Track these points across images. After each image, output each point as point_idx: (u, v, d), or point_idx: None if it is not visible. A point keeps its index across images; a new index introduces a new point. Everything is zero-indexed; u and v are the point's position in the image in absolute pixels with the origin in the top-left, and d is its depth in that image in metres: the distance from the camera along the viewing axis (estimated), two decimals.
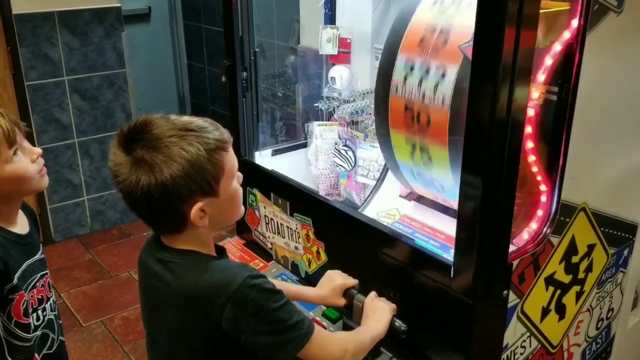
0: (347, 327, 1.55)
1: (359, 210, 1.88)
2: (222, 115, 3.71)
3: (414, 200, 1.85)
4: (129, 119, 3.76)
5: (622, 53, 1.50)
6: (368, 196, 1.96)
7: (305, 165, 2.17)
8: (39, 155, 1.50)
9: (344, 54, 2.09)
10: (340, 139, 2.07)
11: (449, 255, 1.43)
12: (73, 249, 3.70)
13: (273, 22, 3.30)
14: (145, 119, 1.17)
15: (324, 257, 1.77)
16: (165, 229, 1.24)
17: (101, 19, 3.55)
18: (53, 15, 3.40)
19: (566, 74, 1.37)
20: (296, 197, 1.85)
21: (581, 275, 1.65)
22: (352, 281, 1.57)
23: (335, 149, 2.05)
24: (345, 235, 1.69)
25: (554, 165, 1.44)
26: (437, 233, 1.70)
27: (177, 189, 1.13)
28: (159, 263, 1.24)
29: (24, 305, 1.48)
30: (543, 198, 1.47)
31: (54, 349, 1.61)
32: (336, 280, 1.57)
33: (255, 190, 1.97)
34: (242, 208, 1.30)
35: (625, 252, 1.82)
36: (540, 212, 1.48)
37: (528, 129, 1.37)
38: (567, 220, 1.52)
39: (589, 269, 1.66)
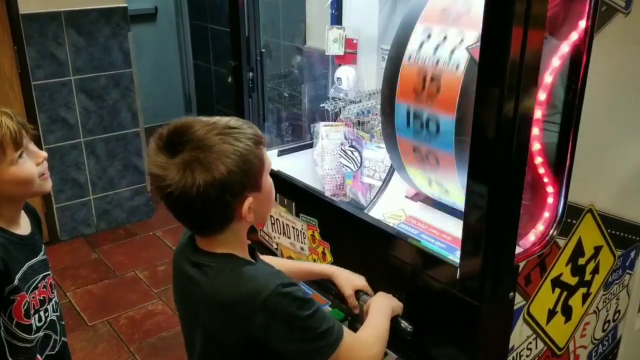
0: (352, 329, 1.55)
1: (365, 211, 1.87)
2: (227, 115, 3.70)
3: (420, 202, 1.85)
4: (134, 119, 3.77)
5: (630, 54, 1.49)
6: (374, 197, 1.95)
7: (311, 165, 2.16)
8: (44, 159, 1.49)
9: (350, 55, 2.09)
10: (346, 139, 2.06)
11: (455, 257, 1.43)
12: (79, 248, 3.70)
13: (279, 22, 3.30)
14: (184, 122, 1.17)
15: (329, 258, 1.77)
16: (211, 228, 1.23)
17: (108, 18, 3.56)
18: (60, 15, 3.41)
19: (574, 75, 1.37)
20: (302, 198, 1.85)
21: (588, 277, 1.64)
22: (369, 288, 1.55)
23: (341, 149, 2.04)
24: (351, 236, 1.69)
25: (561, 167, 1.43)
26: (443, 234, 1.70)
27: (232, 185, 1.14)
28: (194, 267, 1.25)
29: (25, 307, 1.47)
30: (550, 199, 1.47)
31: (56, 350, 1.61)
32: (356, 280, 1.55)
33: None
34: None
35: (632, 254, 1.81)
36: (547, 214, 1.47)
37: (535, 131, 1.37)
38: (574, 222, 1.52)
39: (595, 270, 1.66)
